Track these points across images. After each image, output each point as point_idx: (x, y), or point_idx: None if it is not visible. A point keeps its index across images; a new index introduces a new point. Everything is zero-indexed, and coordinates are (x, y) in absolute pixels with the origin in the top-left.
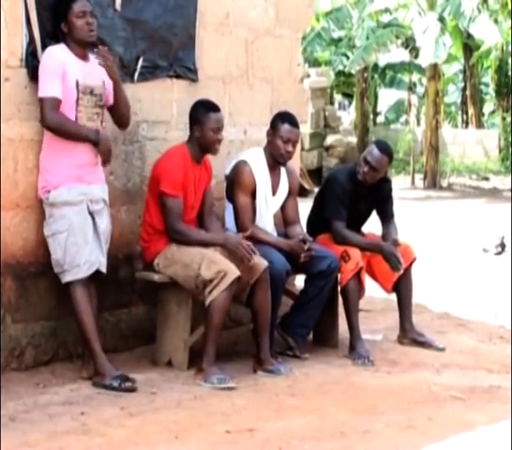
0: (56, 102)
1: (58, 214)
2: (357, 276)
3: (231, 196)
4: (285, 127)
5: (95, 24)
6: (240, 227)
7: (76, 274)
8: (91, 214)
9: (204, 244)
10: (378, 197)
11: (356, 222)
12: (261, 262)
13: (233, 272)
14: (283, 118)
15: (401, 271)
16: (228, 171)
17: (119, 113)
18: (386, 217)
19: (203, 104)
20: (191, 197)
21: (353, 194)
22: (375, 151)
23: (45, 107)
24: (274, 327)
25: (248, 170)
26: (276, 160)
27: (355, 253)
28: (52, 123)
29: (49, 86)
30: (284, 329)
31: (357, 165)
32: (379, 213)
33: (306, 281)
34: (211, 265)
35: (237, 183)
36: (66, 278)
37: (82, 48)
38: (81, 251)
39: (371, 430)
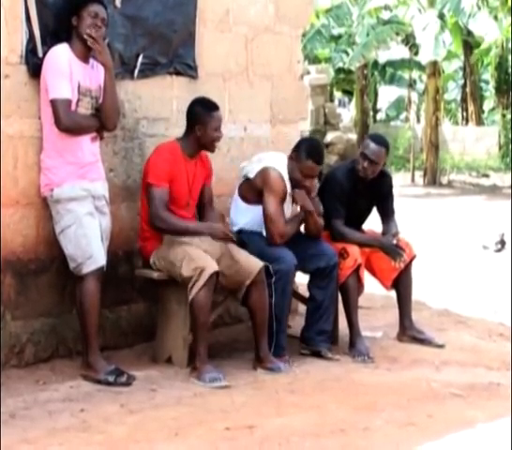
0: (69, 103)
1: (64, 209)
2: (356, 272)
3: (261, 201)
4: (308, 163)
5: (102, 31)
6: (276, 233)
7: (91, 265)
8: (94, 209)
9: (189, 232)
10: (378, 193)
11: (357, 219)
12: (256, 263)
13: (210, 267)
14: (309, 152)
15: (405, 260)
16: (251, 174)
17: (105, 112)
18: (387, 214)
19: (202, 103)
20: (185, 193)
21: (352, 191)
22: (372, 145)
23: (59, 108)
24: (283, 324)
25: (282, 178)
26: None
27: (354, 250)
28: (69, 123)
29: (60, 87)
30: (306, 342)
31: (356, 162)
32: (379, 210)
33: (309, 286)
34: (190, 263)
35: (272, 190)
36: (82, 271)
37: (85, 47)
38: (91, 242)
39: (371, 427)
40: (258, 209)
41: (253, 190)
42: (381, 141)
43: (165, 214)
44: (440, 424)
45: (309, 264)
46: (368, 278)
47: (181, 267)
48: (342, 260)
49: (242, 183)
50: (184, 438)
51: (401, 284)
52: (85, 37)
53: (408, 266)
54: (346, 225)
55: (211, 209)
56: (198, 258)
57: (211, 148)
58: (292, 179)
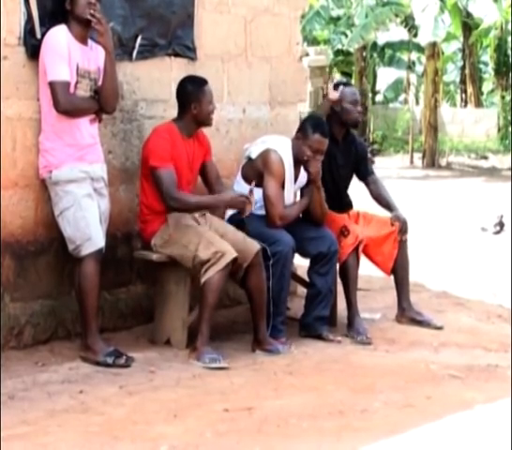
0: (67, 85)
1: (62, 191)
2: (356, 250)
3: (262, 183)
4: (316, 137)
5: (98, 7)
6: (276, 215)
7: (89, 247)
8: (93, 191)
9: (206, 206)
10: (354, 156)
11: (338, 185)
12: (253, 246)
13: (231, 252)
14: (315, 127)
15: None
16: (253, 154)
17: (104, 94)
18: (368, 174)
19: (191, 81)
20: (186, 171)
21: (330, 153)
22: (347, 90)
23: (58, 91)
24: (280, 307)
25: (282, 161)
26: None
27: (354, 227)
28: (68, 105)
29: (59, 69)
30: (306, 329)
31: (345, 114)
32: (357, 172)
33: (309, 272)
34: (209, 246)
35: (271, 173)
36: (81, 253)
37: (83, 29)
38: (90, 224)
39: (369, 409)
40: (259, 191)
41: (254, 171)
42: (350, 84)
43: (178, 194)
44: (438, 405)
45: (310, 248)
46: (365, 260)
47: (198, 250)
48: (343, 238)
49: (245, 164)
50: (183, 419)
51: (399, 266)
52: (89, 17)
53: (404, 248)
54: (329, 194)
55: (220, 185)
56: (216, 242)
57: (208, 123)
58: (299, 160)
